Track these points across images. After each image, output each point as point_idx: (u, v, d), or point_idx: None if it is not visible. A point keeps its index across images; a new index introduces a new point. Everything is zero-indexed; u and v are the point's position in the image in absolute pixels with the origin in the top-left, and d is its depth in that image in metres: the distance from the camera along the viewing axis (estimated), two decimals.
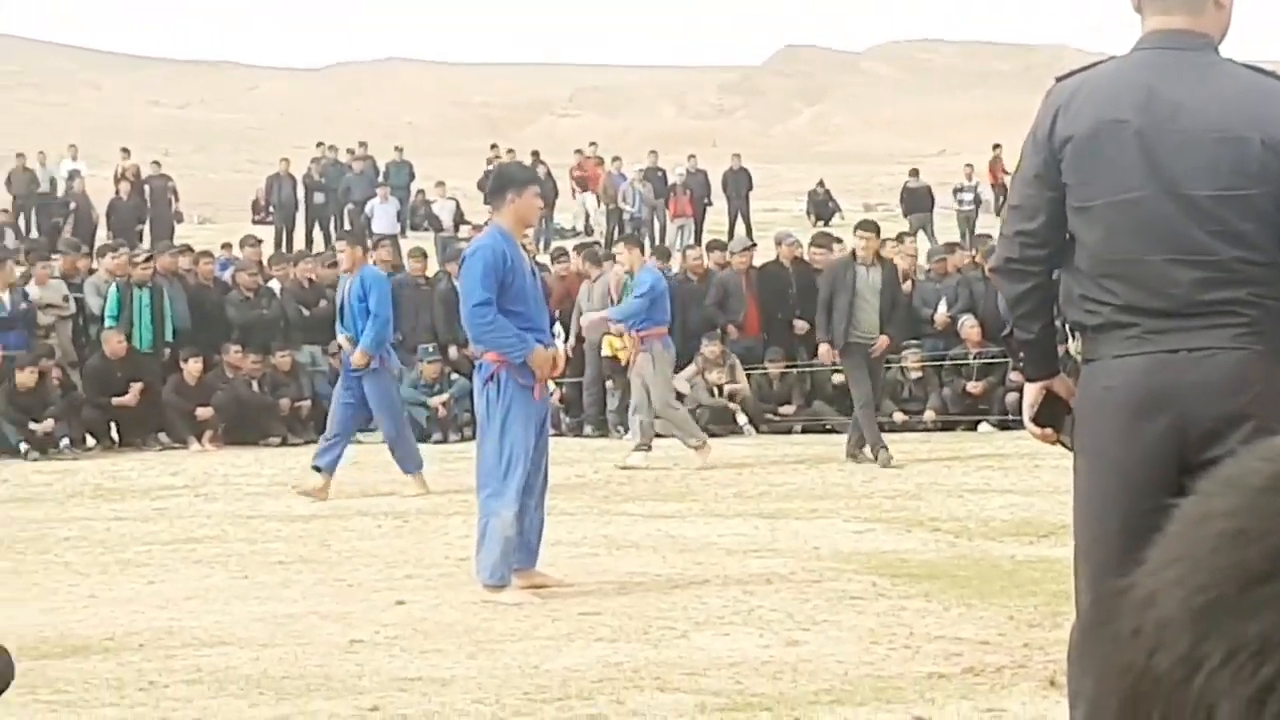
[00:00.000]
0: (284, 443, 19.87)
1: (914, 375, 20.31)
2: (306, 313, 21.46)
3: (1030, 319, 5.02)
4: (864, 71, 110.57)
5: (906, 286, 20.25)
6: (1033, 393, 5.10)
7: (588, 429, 20.48)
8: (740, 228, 38.93)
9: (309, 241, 37.04)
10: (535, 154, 41.70)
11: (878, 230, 17.22)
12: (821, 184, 46.30)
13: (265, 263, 23.03)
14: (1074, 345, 5.07)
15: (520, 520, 9.45)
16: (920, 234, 33.66)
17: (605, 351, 20.34)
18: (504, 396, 9.48)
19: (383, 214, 37.26)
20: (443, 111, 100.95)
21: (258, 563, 11.06)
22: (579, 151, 43.31)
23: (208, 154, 76.28)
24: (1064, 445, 5.01)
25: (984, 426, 19.49)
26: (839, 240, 22.92)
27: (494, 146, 45.37)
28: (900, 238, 23.81)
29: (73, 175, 38.75)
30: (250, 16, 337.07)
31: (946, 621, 8.59)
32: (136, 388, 19.68)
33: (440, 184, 40.50)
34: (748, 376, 20.52)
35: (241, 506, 14.31)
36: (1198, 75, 4.77)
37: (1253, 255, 4.70)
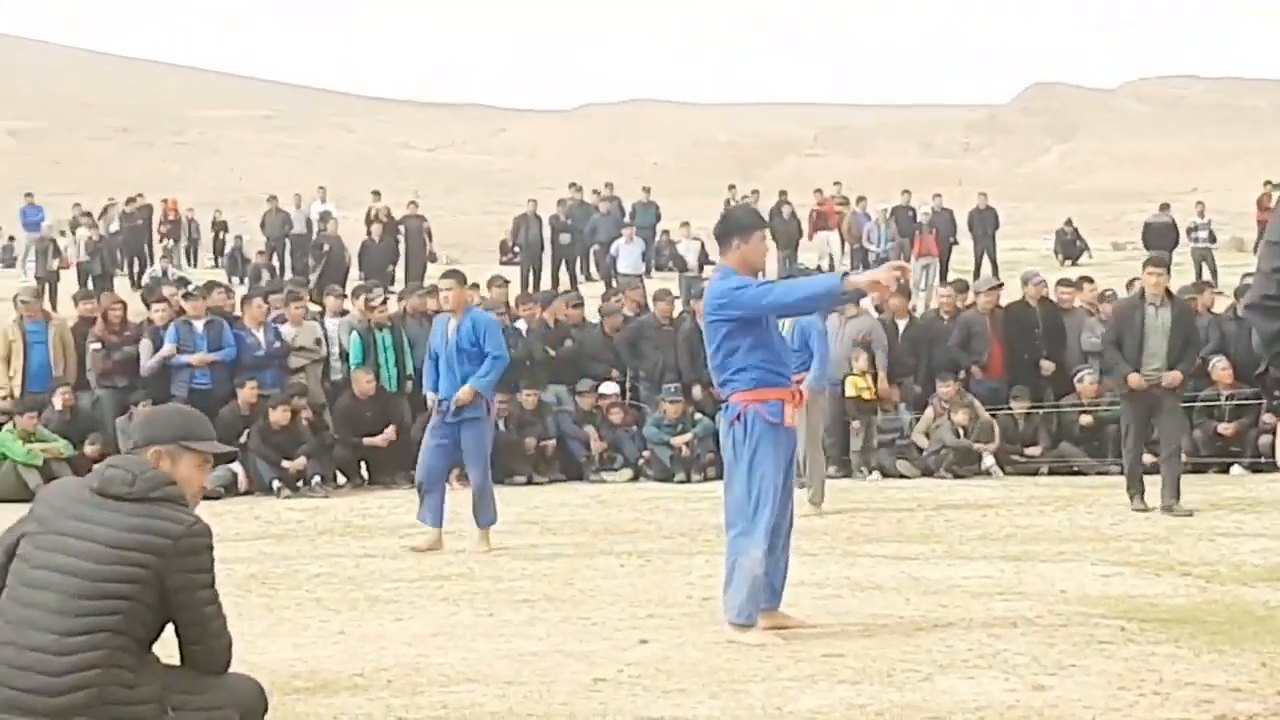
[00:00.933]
0: (529, 481, 20.03)
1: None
2: (552, 352, 21.63)
3: None
4: (1115, 108, 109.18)
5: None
6: None
7: (830, 469, 20.36)
8: (986, 267, 38.64)
9: (555, 282, 37.37)
10: (782, 194, 41.73)
11: (1168, 267, 16.63)
12: (1069, 223, 45.80)
13: (513, 303, 23.24)
14: None
15: (767, 560, 9.44)
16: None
17: (849, 391, 20.25)
18: (751, 435, 9.48)
19: (628, 254, 37.47)
20: (688, 152, 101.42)
21: (503, 600, 11.15)
22: (819, 191, 43.24)
23: (457, 195, 77.35)
24: None
25: (1236, 469, 19.11)
26: (1090, 280, 22.67)
27: (732, 187, 45.53)
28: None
29: (324, 217, 39.46)
30: (499, 60, 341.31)
31: (1197, 668, 8.43)
32: (390, 431, 19.96)
33: (685, 224, 40.65)
34: (993, 417, 20.30)
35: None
36: None
37: None
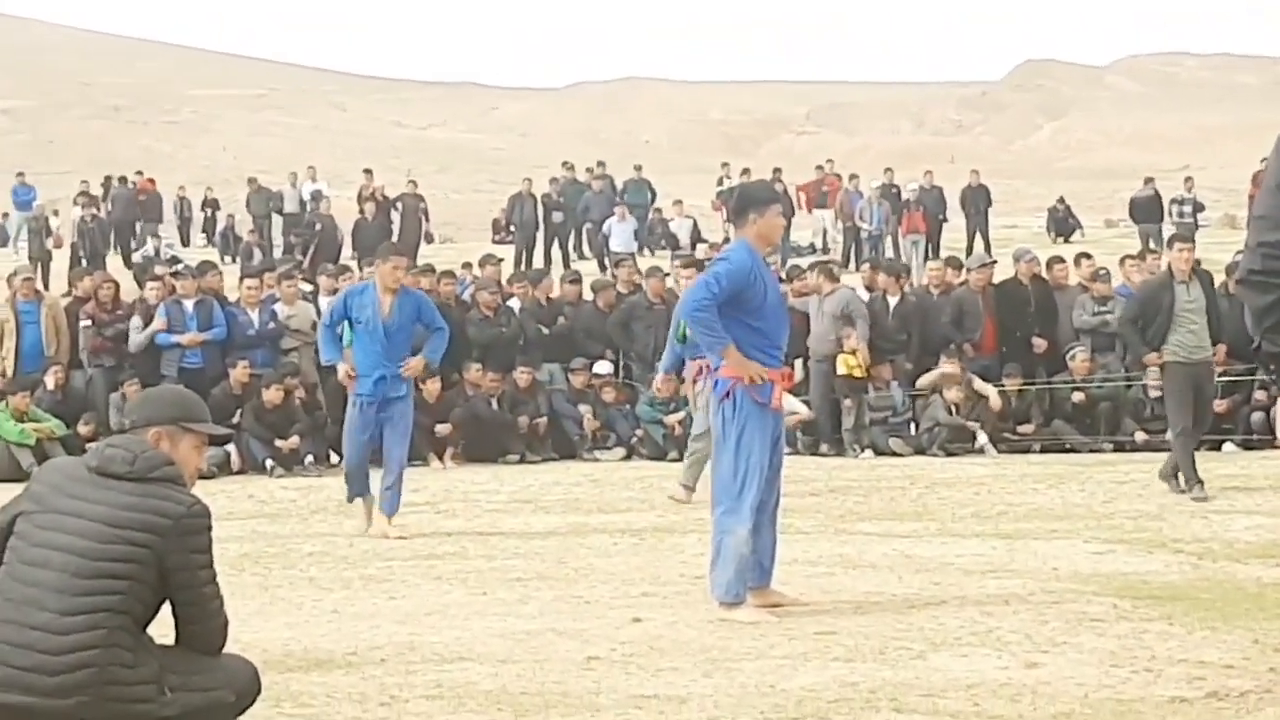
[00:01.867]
0: (522, 460, 20.04)
1: (1155, 394, 20.00)
2: (546, 331, 21.63)
3: (1277, 331, 4.90)
4: (1107, 86, 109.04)
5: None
6: None
7: (823, 447, 20.39)
8: (979, 244, 38.65)
9: (547, 260, 37.36)
10: (777, 171, 41.70)
11: (1193, 242, 16.06)
12: (1062, 200, 45.79)
13: (504, 281, 23.24)
14: None
15: (754, 538, 9.45)
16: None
17: (840, 370, 20.26)
18: (740, 413, 9.50)
19: (620, 232, 37.42)
20: (680, 130, 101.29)
21: (496, 579, 11.17)
22: (820, 168, 43.21)
23: (449, 174, 77.31)
24: None
25: (1228, 446, 19.13)
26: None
27: (725, 165, 45.47)
28: (1143, 254, 23.44)
29: (316, 196, 39.44)
30: (491, 38, 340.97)
31: (1189, 645, 8.45)
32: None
33: (678, 202, 40.65)
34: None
35: (480, 523, 14.46)
36: None
37: None
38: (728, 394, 9.52)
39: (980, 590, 10.13)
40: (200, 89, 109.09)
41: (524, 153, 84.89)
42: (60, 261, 36.71)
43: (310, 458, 19.49)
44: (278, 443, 19.33)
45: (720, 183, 42.75)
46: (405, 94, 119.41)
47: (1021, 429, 20.27)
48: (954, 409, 20.01)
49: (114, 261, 37.55)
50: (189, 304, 20.46)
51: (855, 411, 20.36)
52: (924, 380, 20.44)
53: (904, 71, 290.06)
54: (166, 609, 5.85)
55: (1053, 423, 20.35)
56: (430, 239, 40.35)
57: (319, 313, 21.28)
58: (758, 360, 9.53)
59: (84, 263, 33.94)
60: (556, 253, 38.79)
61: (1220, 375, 19.18)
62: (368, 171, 41.61)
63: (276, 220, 41.76)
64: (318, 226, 37.02)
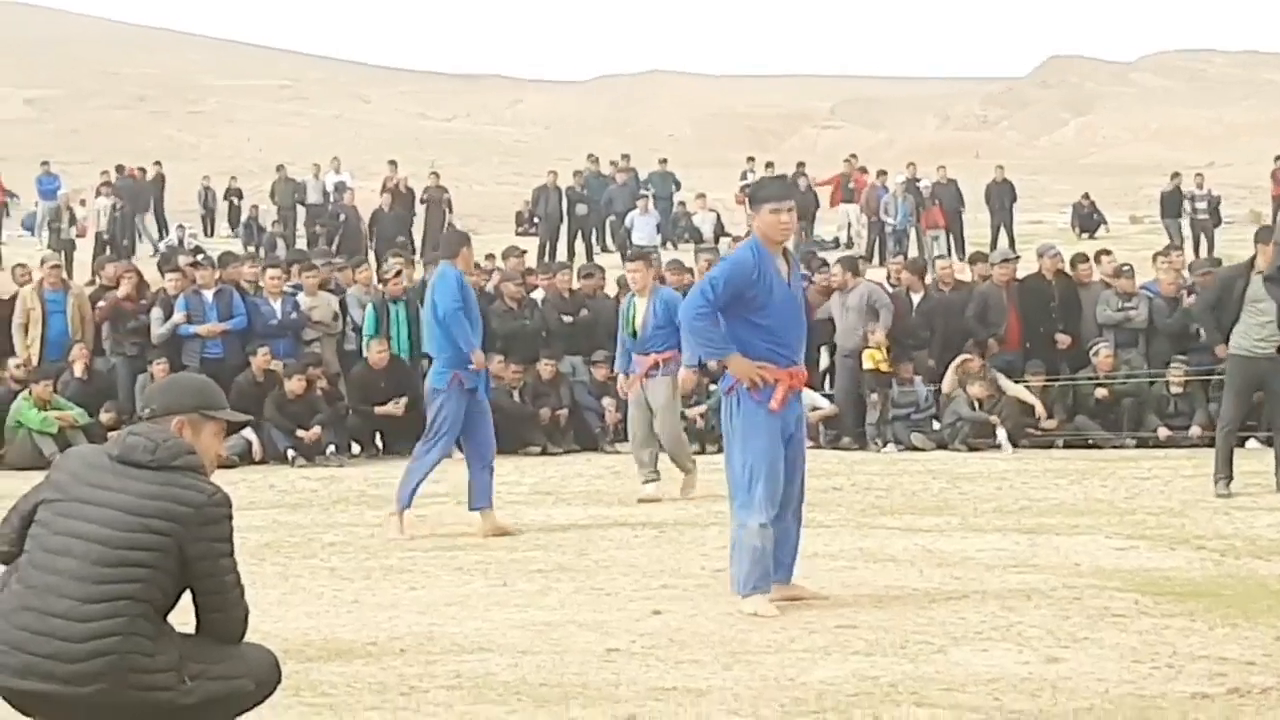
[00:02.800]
0: (544, 452, 20.05)
1: (1178, 390, 19.96)
2: (569, 321, 21.63)
3: None
4: (1133, 82, 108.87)
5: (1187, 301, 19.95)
6: None
7: (845, 441, 20.37)
8: (1003, 240, 38.61)
9: (571, 253, 37.37)
10: (800, 165, 41.70)
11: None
12: (1086, 196, 45.71)
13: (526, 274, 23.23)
14: None
15: (772, 531, 9.44)
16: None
17: (867, 364, 20.25)
18: (742, 408, 9.49)
19: (643, 225, 37.44)
20: (705, 123, 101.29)
21: (517, 570, 11.17)
22: (847, 162, 43.19)
23: (473, 166, 77.34)
24: None
25: (1251, 443, 19.02)
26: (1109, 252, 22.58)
27: (750, 159, 45.45)
28: (1167, 251, 23.39)
29: (340, 187, 39.51)
30: (516, 31, 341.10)
31: (1211, 641, 8.43)
32: (402, 402, 19.96)
33: (701, 196, 40.60)
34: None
35: (502, 515, 14.42)
36: None
37: None
38: (730, 389, 9.53)
39: (1001, 585, 10.11)
40: (224, 79, 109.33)
41: (548, 145, 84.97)
42: (84, 251, 36.80)
43: (332, 448, 19.52)
44: (299, 433, 19.35)
45: (744, 176, 42.74)
46: (429, 86, 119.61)
47: (1044, 424, 20.22)
48: (977, 404, 19.98)
49: (142, 249, 37.72)
50: (208, 294, 20.51)
51: (880, 406, 20.34)
52: (946, 384, 20.38)
53: (930, 66, 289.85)
54: (187, 598, 5.85)
55: (1075, 418, 20.31)
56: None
57: (342, 304, 21.34)
58: (765, 360, 9.44)
59: (108, 251, 33.99)
60: (580, 245, 38.77)
61: None
62: (392, 163, 41.60)
63: (299, 211, 41.78)
64: (341, 217, 37.11)
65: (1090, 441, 19.95)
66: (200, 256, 24.93)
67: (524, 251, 24.68)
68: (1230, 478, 14.68)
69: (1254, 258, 15.04)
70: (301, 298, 21.00)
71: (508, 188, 64.16)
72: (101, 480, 5.80)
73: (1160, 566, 10.89)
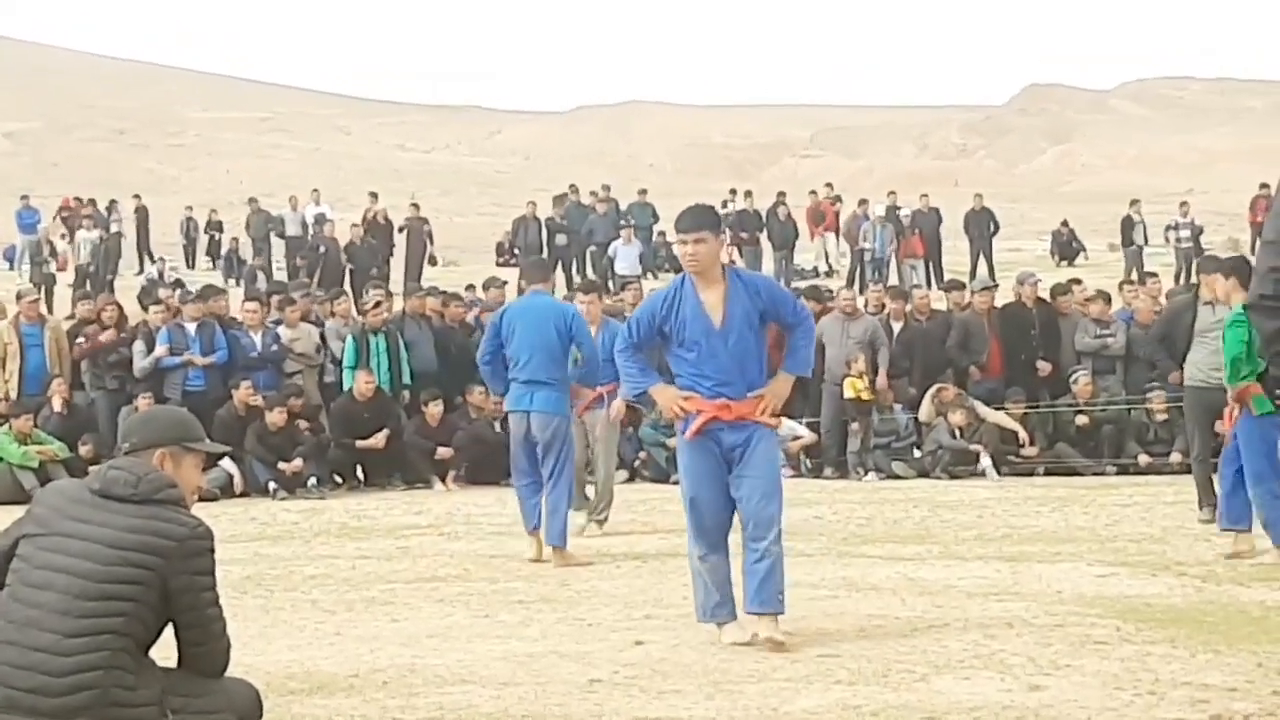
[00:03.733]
0: None
1: (1160, 418, 20.00)
2: None
3: None
4: (1112, 110, 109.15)
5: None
6: None
7: (827, 470, 20.40)
8: (983, 268, 38.70)
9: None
10: (781, 195, 41.80)
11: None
12: (1065, 224, 45.84)
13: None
14: None
15: (707, 562, 9.35)
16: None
17: (848, 393, 20.28)
18: (680, 439, 9.52)
19: (626, 255, 37.55)
20: (684, 153, 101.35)
21: (499, 601, 11.15)
22: (814, 193, 43.37)
23: (453, 197, 77.34)
24: None
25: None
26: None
27: (732, 191, 45.53)
28: (1143, 279, 23.48)
29: (320, 219, 39.53)
30: (495, 62, 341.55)
31: (1193, 668, 8.43)
32: (383, 434, 19.95)
33: None
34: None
35: (483, 546, 14.43)
36: None
37: None
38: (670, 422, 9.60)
39: (983, 613, 10.12)
40: (204, 112, 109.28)
41: (528, 176, 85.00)
42: (64, 284, 36.79)
43: (313, 480, 19.48)
44: (281, 465, 19.33)
45: (724, 206, 42.81)
46: (409, 117, 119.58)
47: (1025, 452, 20.26)
48: (958, 432, 20.02)
49: (120, 283, 37.67)
50: (191, 327, 20.51)
51: (861, 434, 20.37)
52: (923, 413, 20.42)
53: (908, 95, 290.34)
54: (169, 631, 5.85)
55: (1056, 445, 20.36)
56: (434, 261, 40.48)
57: (322, 337, 21.33)
58: (691, 390, 9.31)
59: (88, 284, 34.02)
60: (560, 276, 38.78)
61: None
62: (373, 194, 41.67)
63: (277, 243, 41.84)
64: (322, 250, 37.12)
65: (1071, 469, 19.99)
66: (179, 291, 24.92)
67: (505, 283, 24.68)
68: (1215, 505, 14.70)
69: (1198, 288, 15.12)
70: (282, 330, 20.99)
71: (488, 218, 64.17)
72: (83, 514, 5.80)
73: (1142, 593, 10.90)
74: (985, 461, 19.81)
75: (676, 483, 18.82)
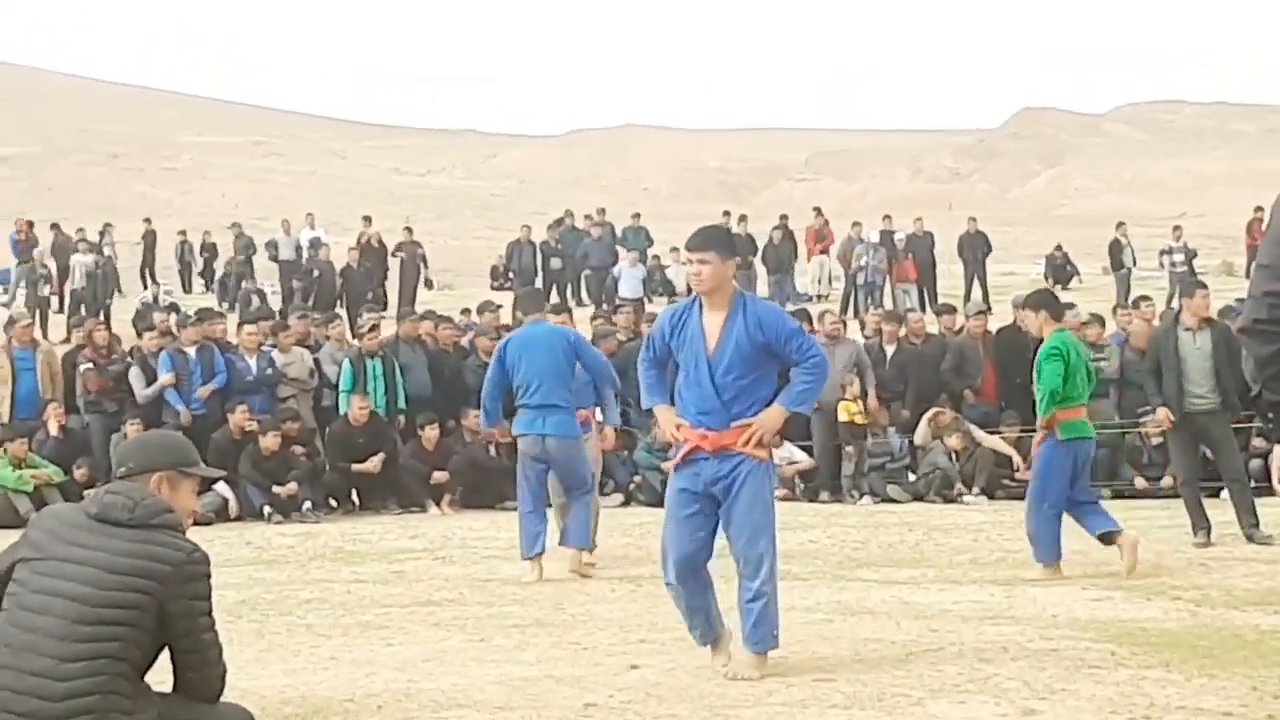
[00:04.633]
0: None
1: (1154, 441, 19.99)
2: None
3: (1279, 380, 4.89)
4: (1105, 133, 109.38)
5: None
6: None
7: (822, 494, 20.39)
8: (976, 291, 38.70)
9: None
10: (783, 218, 41.90)
11: (1204, 290, 15.80)
12: (1059, 248, 45.88)
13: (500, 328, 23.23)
14: None
15: (675, 591, 9.23)
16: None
17: (842, 417, 20.28)
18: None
19: (630, 278, 37.68)
20: (679, 177, 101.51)
21: (494, 626, 11.15)
22: (817, 210, 43.50)
23: (448, 221, 77.40)
24: None
25: (1225, 494, 19.08)
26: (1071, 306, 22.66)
27: (726, 213, 45.58)
28: (1138, 303, 23.49)
29: (315, 244, 39.54)
30: (490, 86, 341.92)
31: (1188, 692, 8.43)
32: (378, 458, 19.95)
33: (676, 249, 40.63)
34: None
35: (479, 570, 14.42)
36: None
37: None
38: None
39: (978, 637, 10.11)
40: (198, 136, 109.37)
41: (522, 200, 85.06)
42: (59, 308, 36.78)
43: (308, 504, 19.46)
44: (275, 489, 19.32)
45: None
46: (404, 141, 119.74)
47: (1019, 476, 20.24)
48: (954, 456, 20.03)
49: (116, 307, 37.68)
50: (191, 351, 20.49)
51: (855, 458, 20.38)
52: (919, 436, 20.44)
53: (902, 119, 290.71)
54: (165, 656, 5.85)
55: None
56: (429, 285, 40.51)
57: (316, 361, 21.32)
58: (685, 417, 9.15)
59: (83, 309, 34.02)
60: (555, 300, 38.79)
61: None
62: (367, 218, 41.70)
63: (268, 266, 41.92)
64: (316, 274, 37.11)
65: None
66: (176, 316, 24.92)
67: (499, 306, 24.70)
68: (1208, 528, 14.78)
69: (1179, 313, 15.17)
70: (276, 354, 20.99)
71: (483, 242, 64.21)
72: (79, 539, 5.81)
73: (1136, 617, 10.90)
74: (976, 489, 19.86)
75: None
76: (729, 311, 9.18)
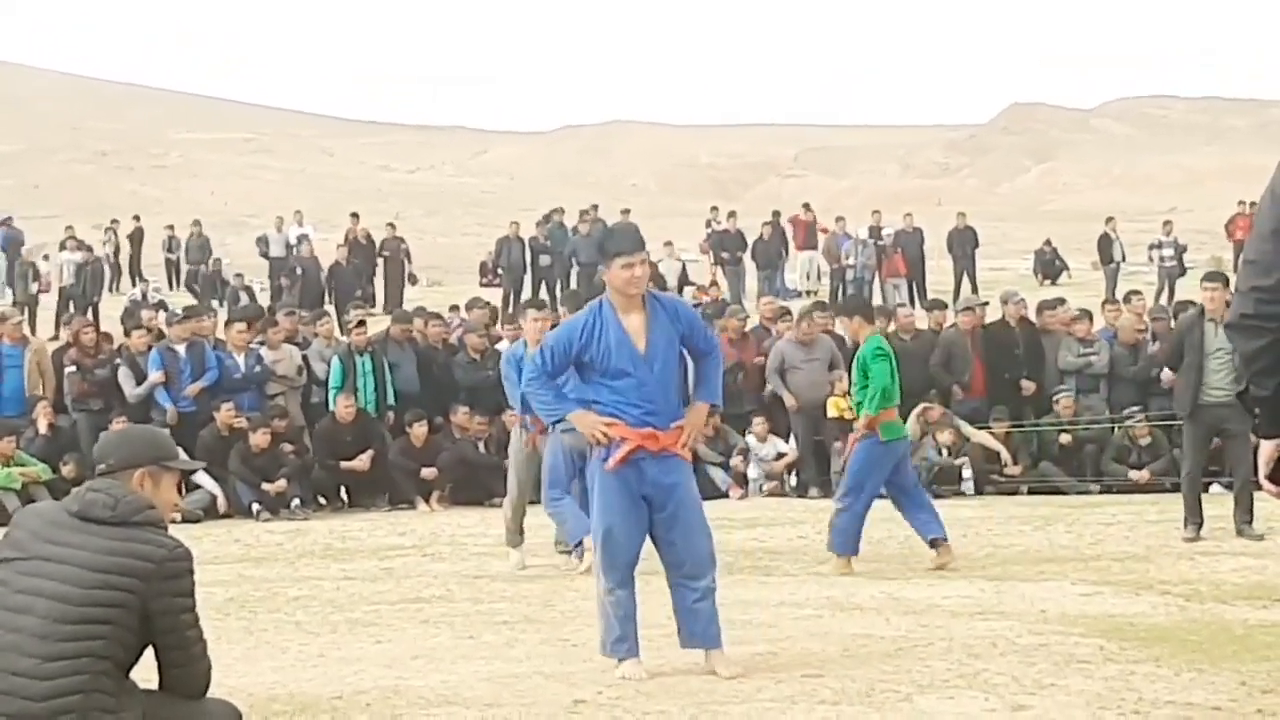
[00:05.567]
0: None
1: (1143, 441, 19.98)
2: None
3: (1266, 375, 4.89)
4: (1095, 129, 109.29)
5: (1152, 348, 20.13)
6: (1269, 450, 4.98)
7: (812, 490, 20.37)
8: (966, 287, 38.74)
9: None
10: (776, 214, 41.94)
11: (1226, 281, 15.39)
12: (1048, 243, 45.91)
13: (489, 325, 23.21)
14: None
15: (615, 596, 9.11)
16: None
17: (831, 412, 20.27)
18: (591, 466, 9.31)
19: None
20: (669, 173, 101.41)
21: (483, 622, 11.13)
22: (807, 206, 43.53)
23: (437, 217, 77.30)
24: None
25: (1215, 488, 19.09)
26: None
27: (714, 209, 45.59)
28: (1128, 297, 23.49)
29: (300, 240, 39.54)
30: (479, 82, 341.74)
31: (1177, 687, 8.43)
32: (367, 455, 19.93)
33: (668, 244, 40.67)
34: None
35: (467, 566, 14.42)
36: None
37: None
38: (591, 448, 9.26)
39: (968, 632, 10.11)
40: (187, 133, 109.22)
41: (512, 196, 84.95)
42: (48, 306, 36.75)
43: (297, 501, 19.45)
44: (264, 486, 19.30)
45: (708, 225, 42.90)
46: (393, 137, 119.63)
47: (1008, 471, 20.26)
48: (945, 450, 20.02)
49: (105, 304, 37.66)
50: (180, 348, 20.45)
51: (845, 454, 20.33)
52: (909, 431, 20.43)
53: (891, 115, 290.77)
54: (150, 653, 5.83)
55: (1040, 464, 20.35)
56: (414, 280, 40.47)
57: (305, 359, 21.30)
58: (614, 416, 8.99)
59: (71, 307, 34.00)
60: (544, 296, 38.79)
61: None
62: (354, 215, 41.68)
63: (259, 265, 41.93)
64: (299, 270, 37.11)
65: (1054, 487, 19.98)
66: (165, 313, 24.88)
67: (488, 303, 24.67)
68: (1200, 523, 14.79)
69: (1203, 307, 15.14)
70: (264, 351, 20.95)
71: (472, 238, 64.14)
72: (61, 537, 5.78)
73: (1125, 612, 10.91)
74: (967, 476, 19.87)
75: None
76: (646, 311, 9.09)
